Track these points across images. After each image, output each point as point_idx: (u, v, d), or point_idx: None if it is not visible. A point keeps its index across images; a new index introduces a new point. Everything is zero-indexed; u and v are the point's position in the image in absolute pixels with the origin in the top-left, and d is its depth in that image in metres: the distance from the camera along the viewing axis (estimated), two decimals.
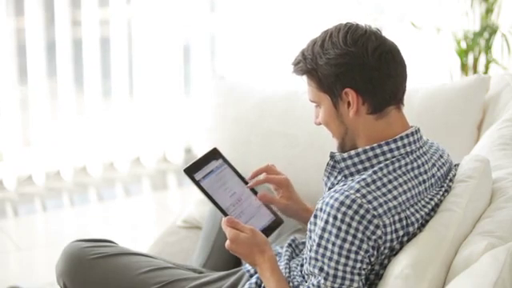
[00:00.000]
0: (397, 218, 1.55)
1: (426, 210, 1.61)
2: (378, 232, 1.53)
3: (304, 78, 1.65)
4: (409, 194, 1.58)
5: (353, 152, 1.61)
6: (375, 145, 1.60)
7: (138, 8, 3.88)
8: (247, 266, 1.85)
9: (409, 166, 1.60)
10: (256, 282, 1.75)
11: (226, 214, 1.72)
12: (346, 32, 1.58)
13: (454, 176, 1.71)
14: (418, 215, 1.58)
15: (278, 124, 2.36)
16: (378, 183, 1.56)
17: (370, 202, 1.53)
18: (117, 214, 3.70)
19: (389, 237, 1.54)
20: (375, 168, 1.59)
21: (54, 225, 3.55)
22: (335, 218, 1.53)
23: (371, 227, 1.52)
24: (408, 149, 1.61)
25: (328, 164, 1.65)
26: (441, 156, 1.70)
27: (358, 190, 1.54)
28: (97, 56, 3.83)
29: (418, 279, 1.49)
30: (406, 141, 1.61)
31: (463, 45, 3.56)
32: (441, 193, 1.65)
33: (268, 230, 1.79)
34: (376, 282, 1.59)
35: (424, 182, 1.61)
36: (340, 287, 1.55)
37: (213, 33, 4.12)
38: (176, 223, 2.51)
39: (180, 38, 4.03)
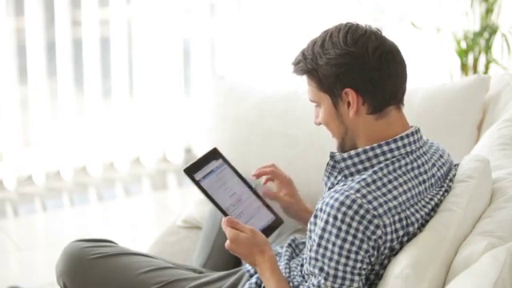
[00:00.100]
0: (397, 217, 1.55)
1: (426, 210, 1.61)
2: (378, 232, 1.53)
3: (304, 78, 1.65)
4: (409, 194, 1.58)
5: (353, 152, 1.61)
6: (375, 145, 1.60)
7: (138, 8, 3.88)
8: (247, 266, 1.85)
9: (409, 166, 1.60)
10: (256, 282, 1.75)
11: (225, 214, 1.72)
12: (347, 32, 1.58)
13: (454, 176, 1.71)
14: (418, 215, 1.58)
15: (278, 124, 2.36)
16: (378, 183, 1.56)
17: (370, 202, 1.53)
18: (117, 214, 3.70)
19: (389, 237, 1.54)
20: (375, 168, 1.59)
21: (54, 225, 3.55)
22: (335, 218, 1.53)
23: (371, 227, 1.52)
24: (408, 149, 1.61)
25: (328, 164, 1.65)
26: (441, 156, 1.70)
27: (358, 190, 1.54)
28: (97, 56, 3.83)
29: (417, 279, 1.49)
30: (406, 141, 1.61)
31: (463, 45, 3.56)
32: (441, 193, 1.65)
33: (268, 230, 1.79)
34: (376, 282, 1.59)
35: (424, 181, 1.61)
36: (340, 287, 1.55)
37: (213, 33, 4.12)
38: (176, 223, 2.51)
39: (180, 38, 4.03)
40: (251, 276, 1.82)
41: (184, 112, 4.13)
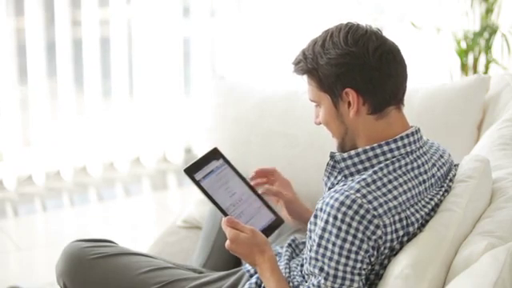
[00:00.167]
0: (397, 217, 1.55)
1: (426, 210, 1.61)
2: (378, 232, 1.53)
3: (304, 78, 1.65)
4: (409, 194, 1.58)
5: (353, 152, 1.61)
6: (375, 145, 1.60)
7: (138, 8, 3.88)
8: (247, 266, 1.85)
9: (409, 166, 1.60)
10: (256, 282, 1.75)
11: (226, 214, 1.72)
12: (347, 32, 1.58)
13: (454, 176, 1.71)
14: (418, 215, 1.58)
15: (278, 124, 2.36)
16: (378, 183, 1.56)
17: (370, 202, 1.53)
18: (117, 214, 3.70)
19: (389, 237, 1.54)
20: (375, 168, 1.59)
21: (54, 225, 3.55)
22: (335, 218, 1.53)
23: (371, 227, 1.52)
24: (408, 149, 1.61)
25: (328, 164, 1.65)
26: (441, 156, 1.70)
27: (358, 190, 1.54)
28: (97, 56, 3.83)
29: (418, 279, 1.49)
30: (406, 141, 1.61)
31: (463, 45, 3.56)
32: (441, 193, 1.65)
33: (268, 230, 1.79)
34: (376, 282, 1.59)
35: (424, 181, 1.61)
36: (340, 287, 1.55)
37: (213, 33, 4.12)
38: (176, 223, 2.51)
39: (180, 38, 4.03)
40: (251, 276, 1.82)
41: (184, 112, 4.13)
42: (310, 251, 1.59)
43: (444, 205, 1.63)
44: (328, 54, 1.58)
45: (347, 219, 1.52)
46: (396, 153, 1.60)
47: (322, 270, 1.56)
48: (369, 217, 1.52)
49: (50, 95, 3.76)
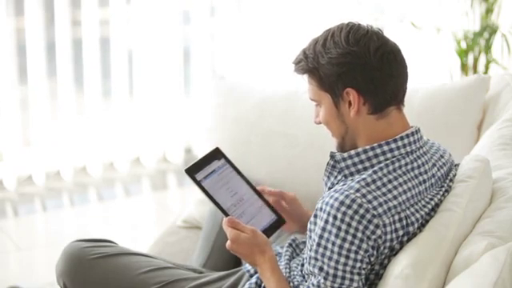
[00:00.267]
0: (397, 217, 1.55)
1: (426, 209, 1.61)
2: (378, 232, 1.53)
3: (305, 77, 1.65)
4: (409, 194, 1.58)
5: (353, 152, 1.61)
6: (375, 145, 1.60)
7: (138, 8, 3.88)
8: (247, 266, 1.85)
9: (409, 166, 1.60)
10: (256, 282, 1.75)
11: (226, 214, 1.72)
12: (348, 32, 1.58)
13: (455, 176, 1.71)
14: (417, 215, 1.59)
15: (278, 124, 2.36)
16: (378, 183, 1.56)
17: (369, 201, 1.53)
18: (117, 214, 3.70)
19: (388, 236, 1.54)
20: (375, 168, 1.59)
21: (54, 225, 3.55)
22: (335, 217, 1.53)
23: (371, 227, 1.52)
24: (408, 149, 1.61)
25: (328, 164, 1.65)
26: (441, 156, 1.70)
27: (357, 190, 1.54)
28: (97, 56, 3.83)
29: (417, 279, 1.49)
30: (406, 141, 1.61)
31: (463, 45, 3.56)
32: (441, 193, 1.65)
33: (270, 230, 1.79)
34: (376, 282, 1.59)
35: (424, 181, 1.62)
36: (340, 287, 1.55)
37: (213, 33, 4.12)
38: (176, 223, 2.51)
39: (180, 38, 4.03)
40: (251, 276, 1.82)
41: (184, 112, 4.13)
42: (310, 251, 1.59)
43: (444, 205, 1.63)
44: (329, 54, 1.58)
45: (347, 219, 1.52)
46: (396, 153, 1.60)
47: (321, 269, 1.56)
48: (368, 216, 1.52)
49: (50, 95, 3.76)
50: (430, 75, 3.95)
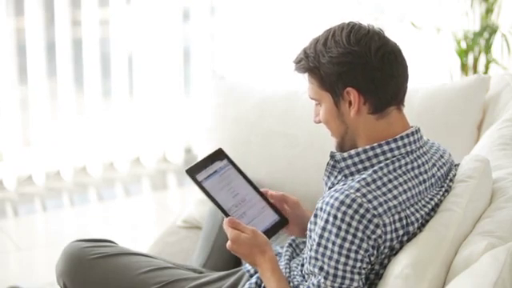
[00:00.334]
0: (397, 217, 1.55)
1: (426, 209, 1.61)
2: (378, 231, 1.53)
3: (305, 76, 1.65)
4: (409, 194, 1.58)
5: (353, 151, 1.61)
6: (375, 144, 1.60)
7: (138, 8, 3.88)
8: (247, 266, 1.85)
9: (409, 166, 1.60)
10: (256, 282, 1.75)
11: (227, 215, 1.71)
12: (350, 31, 1.58)
13: (454, 176, 1.72)
14: (417, 215, 1.59)
15: (278, 124, 2.36)
16: (378, 182, 1.56)
17: (370, 201, 1.53)
18: (117, 214, 3.70)
19: (388, 236, 1.54)
20: (375, 167, 1.59)
21: (54, 225, 3.55)
22: (335, 217, 1.53)
23: (371, 226, 1.52)
24: (408, 148, 1.61)
25: (328, 164, 1.65)
26: (441, 156, 1.70)
27: (358, 190, 1.54)
28: (97, 56, 3.83)
29: (418, 279, 1.49)
30: (406, 140, 1.61)
31: (463, 45, 3.56)
32: (441, 193, 1.65)
33: (272, 230, 1.78)
34: (376, 282, 1.60)
35: (424, 181, 1.62)
36: (340, 286, 1.55)
37: (213, 33, 4.12)
38: (176, 223, 2.51)
39: (180, 38, 4.03)
40: (251, 276, 1.82)
41: (184, 112, 4.13)
42: (310, 250, 1.59)
43: (444, 205, 1.63)
44: (330, 53, 1.58)
45: (347, 218, 1.52)
46: (396, 152, 1.60)
47: (321, 269, 1.56)
48: (369, 216, 1.52)
49: (50, 95, 3.76)
50: (430, 75, 3.95)
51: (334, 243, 1.54)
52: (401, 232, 1.56)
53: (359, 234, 1.52)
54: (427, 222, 1.61)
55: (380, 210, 1.53)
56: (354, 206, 1.52)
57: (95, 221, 3.60)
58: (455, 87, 2.25)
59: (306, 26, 4.02)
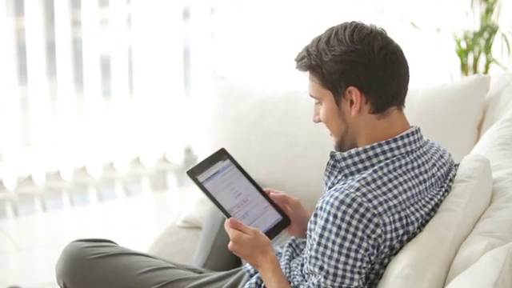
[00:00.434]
0: (397, 216, 1.55)
1: (426, 209, 1.61)
2: (378, 231, 1.53)
3: (307, 74, 1.64)
4: (409, 193, 1.58)
5: (353, 151, 1.61)
6: (375, 144, 1.61)
7: (138, 8, 3.88)
8: (247, 266, 1.85)
9: (409, 166, 1.60)
10: (256, 282, 1.75)
11: (229, 216, 1.71)
12: (353, 30, 1.58)
13: (454, 176, 1.72)
14: (417, 214, 1.59)
15: (278, 124, 2.36)
16: (378, 182, 1.56)
17: (370, 200, 1.53)
18: (117, 214, 3.70)
19: (388, 235, 1.54)
20: (375, 167, 1.59)
21: (54, 225, 3.55)
22: (335, 216, 1.53)
23: (371, 226, 1.52)
24: (408, 148, 1.62)
25: (328, 163, 1.65)
26: (441, 156, 1.70)
27: (358, 189, 1.54)
28: (97, 56, 3.83)
29: (418, 279, 1.49)
30: (406, 140, 1.62)
31: (463, 45, 3.56)
32: (441, 193, 1.65)
33: (275, 230, 1.78)
34: (376, 282, 1.60)
35: (424, 181, 1.62)
36: (340, 286, 1.55)
37: (213, 33, 4.12)
38: (176, 223, 2.50)
39: (180, 37, 4.03)
40: (251, 276, 1.82)
41: (184, 112, 4.13)
42: (310, 250, 1.59)
43: (444, 205, 1.63)
44: (333, 51, 1.58)
45: (347, 218, 1.52)
46: (396, 152, 1.61)
47: (321, 268, 1.56)
48: (368, 215, 1.52)
49: (50, 95, 3.76)
50: (430, 75, 3.95)
51: (334, 242, 1.54)
52: (401, 231, 1.56)
53: (359, 234, 1.52)
54: (427, 221, 1.61)
55: (380, 209, 1.53)
56: (354, 205, 1.52)
57: (95, 221, 3.60)
58: (455, 87, 2.25)
59: (306, 25, 4.02)
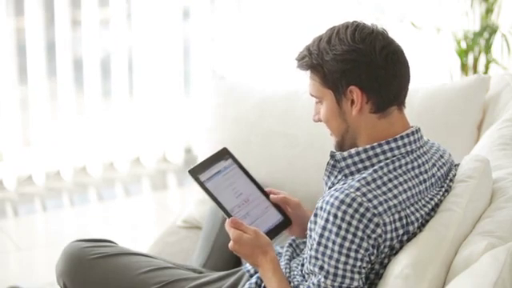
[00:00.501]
0: (397, 216, 1.55)
1: (426, 209, 1.61)
2: (378, 230, 1.53)
3: (307, 74, 1.64)
4: (409, 193, 1.58)
5: (353, 151, 1.61)
6: (375, 144, 1.61)
7: (138, 8, 3.88)
8: (247, 266, 1.85)
9: (409, 165, 1.60)
10: (256, 282, 1.75)
11: (229, 216, 1.71)
12: (354, 29, 1.58)
13: (454, 176, 1.72)
14: (417, 214, 1.59)
15: (278, 124, 2.36)
16: (378, 182, 1.56)
17: (370, 200, 1.53)
18: (117, 214, 3.70)
19: (388, 235, 1.54)
20: (375, 167, 1.59)
21: (54, 225, 3.55)
22: (335, 216, 1.53)
23: (371, 225, 1.52)
24: (408, 148, 1.62)
25: (328, 163, 1.65)
26: (441, 156, 1.70)
27: (358, 189, 1.54)
28: (97, 56, 3.83)
29: (418, 279, 1.49)
30: (406, 140, 1.62)
31: (463, 45, 3.56)
32: (441, 193, 1.65)
33: (275, 231, 1.78)
34: (376, 282, 1.60)
35: (424, 181, 1.62)
36: (340, 286, 1.55)
37: (213, 33, 4.12)
38: (176, 223, 2.50)
39: (180, 37, 4.03)
40: (251, 276, 1.82)
41: (184, 112, 4.13)
42: (311, 250, 1.59)
43: (444, 205, 1.63)
44: (334, 50, 1.58)
45: (347, 217, 1.52)
46: (396, 152, 1.61)
47: (321, 268, 1.56)
48: (369, 215, 1.52)
49: (50, 95, 3.76)
50: (430, 75, 3.95)
51: (334, 242, 1.54)
52: (401, 231, 1.56)
53: (359, 233, 1.52)
54: (427, 221, 1.61)
55: (380, 209, 1.53)
56: (354, 205, 1.52)
57: (95, 221, 3.60)
58: (455, 87, 2.25)
59: (306, 25, 4.02)
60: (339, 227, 1.53)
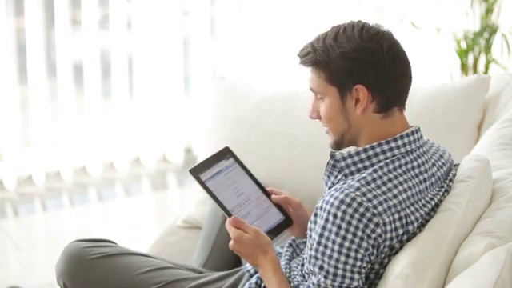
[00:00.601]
0: (396, 216, 1.55)
1: (426, 209, 1.61)
2: (378, 230, 1.53)
3: (310, 70, 1.63)
4: (409, 193, 1.58)
5: (353, 151, 1.61)
6: (375, 144, 1.60)
7: (138, 7, 3.88)
8: (247, 266, 1.85)
9: (409, 165, 1.60)
10: (256, 282, 1.75)
11: (230, 215, 1.71)
12: (361, 28, 1.58)
13: (454, 176, 1.72)
14: (417, 214, 1.59)
15: (278, 124, 2.36)
16: (378, 182, 1.56)
17: (369, 200, 1.53)
18: (117, 214, 3.70)
19: (388, 235, 1.54)
20: (375, 167, 1.59)
21: (54, 225, 3.55)
22: (335, 216, 1.53)
23: (371, 225, 1.52)
24: (408, 148, 1.61)
25: (328, 163, 1.65)
26: (441, 156, 1.70)
27: (358, 189, 1.54)
28: (97, 56, 3.83)
29: (418, 279, 1.49)
30: (406, 140, 1.62)
31: (463, 45, 3.56)
32: (441, 193, 1.65)
33: (276, 230, 1.78)
34: (376, 282, 1.60)
35: (424, 181, 1.62)
36: (340, 285, 1.55)
37: (213, 33, 4.12)
38: (176, 223, 2.51)
39: (180, 37, 4.03)
40: (251, 276, 1.82)
41: (184, 112, 4.13)
42: (310, 250, 1.59)
43: (444, 205, 1.63)
44: (341, 48, 1.57)
45: (347, 217, 1.52)
46: (396, 152, 1.61)
47: (321, 268, 1.56)
48: (368, 215, 1.52)
49: (49, 95, 3.76)
50: (430, 75, 3.95)
51: (334, 242, 1.54)
52: (400, 231, 1.56)
53: (359, 233, 1.52)
54: (427, 221, 1.61)
55: (380, 208, 1.53)
56: (354, 204, 1.52)
57: (95, 221, 3.60)
58: (455, 87, 2.25)
59: (307, 25, 4.02)
60: (339, 227, 1.53)
